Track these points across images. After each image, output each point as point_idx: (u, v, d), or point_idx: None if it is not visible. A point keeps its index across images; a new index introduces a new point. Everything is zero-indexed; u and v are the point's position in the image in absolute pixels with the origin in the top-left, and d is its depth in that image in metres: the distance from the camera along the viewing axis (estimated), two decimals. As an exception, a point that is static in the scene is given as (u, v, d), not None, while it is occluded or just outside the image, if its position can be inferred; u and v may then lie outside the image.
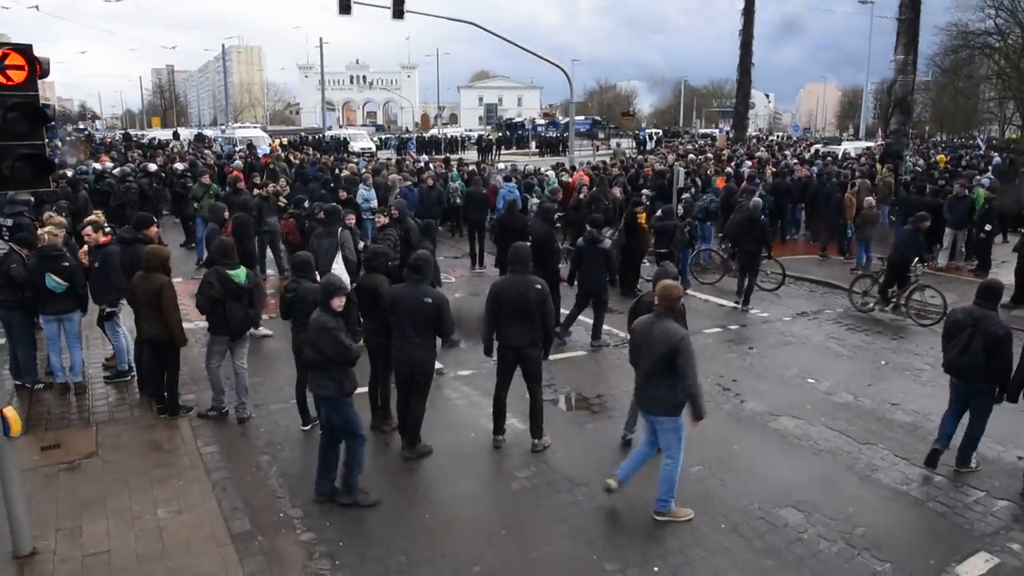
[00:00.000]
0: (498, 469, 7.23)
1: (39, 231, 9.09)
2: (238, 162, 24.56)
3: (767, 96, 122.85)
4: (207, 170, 18.10)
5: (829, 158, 29.45)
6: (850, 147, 40.37)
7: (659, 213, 13.44)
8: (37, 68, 5.01)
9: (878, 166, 21.39)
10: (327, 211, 10.99)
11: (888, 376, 9.86)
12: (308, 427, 7.89)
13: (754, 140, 54.21)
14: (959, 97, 52.83)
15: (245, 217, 11.20)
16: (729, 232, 13.91)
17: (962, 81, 48.97)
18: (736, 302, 13.25)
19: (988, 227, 15.32)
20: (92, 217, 9.84)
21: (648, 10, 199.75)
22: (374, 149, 49.18)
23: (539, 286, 7.33)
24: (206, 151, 34.38)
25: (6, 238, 9.47)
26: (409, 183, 17.62)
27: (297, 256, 8.26)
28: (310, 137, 56.64)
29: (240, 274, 7.87)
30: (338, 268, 9.78)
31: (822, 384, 9.55)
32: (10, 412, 5.41)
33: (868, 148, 36.86)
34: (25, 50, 4.98)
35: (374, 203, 16.50)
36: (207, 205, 15.51)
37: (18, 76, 4.94)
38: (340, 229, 10.49)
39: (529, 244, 8.33)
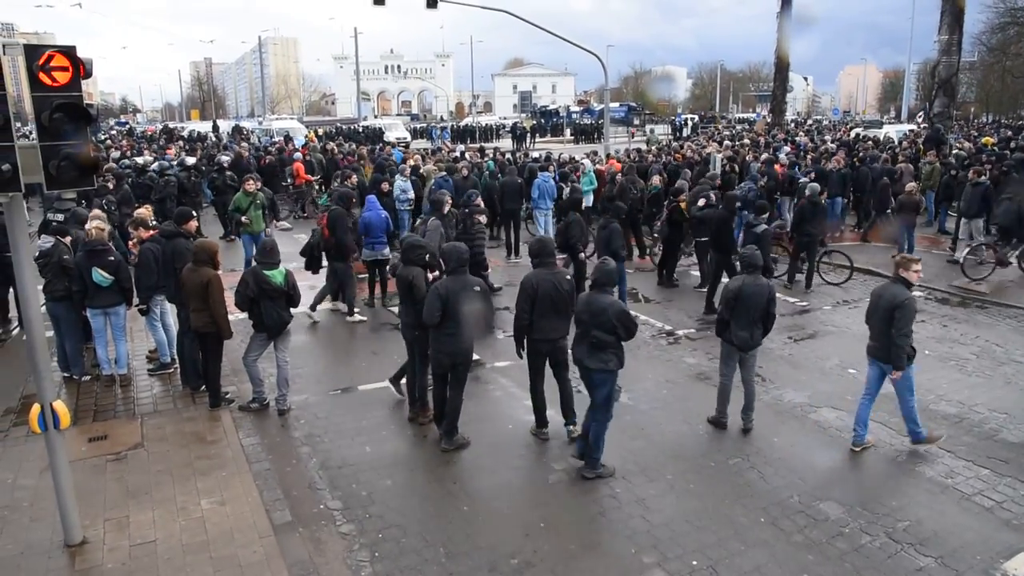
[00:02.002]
0: (535, 461, 7.24)
1: (86, 226, 9.30)
2: (298, 154, 24.25)
3: (805, 79, 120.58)
4: (251, 175, 14.67)
5: (870, 142, 28.80)
6: (892, 130, 39.45)
7: (700, 203, 13.32)
8: (81, 69, 5.09)
9: (922, 151, 20.90)
10: (432, 200, 12.03)
11: (932, 366, 9.65)
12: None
13: (792, 125, 53.20)
14: (1006, 76, 51.37)
15: (339, 210, 11.55)
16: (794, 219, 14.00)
17: (1010, 60, 47.53)
18: (786, 286, 13.29)
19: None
20: (141, 211, 10.05)
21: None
22: (409, 139, 49.35)
23: (569, 277, 7.41)
24: (243, 143, 34.67)
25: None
26: (443, 173, 17.62)
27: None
28: (344, 128, 56.95)
29: (277, 275, 7.94)
30: None
31: (863, 375, 9.36)
32: (59, 405, 5.55)
33: (911, 131, 36.01)
34: (69, 52, 5.05)
35: (411, 194, 16.57)
36: (256, 218, 13.56)
37: (63, 77, 5.02)
38: (431, 218, 11.44)
39: None
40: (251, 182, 13.74)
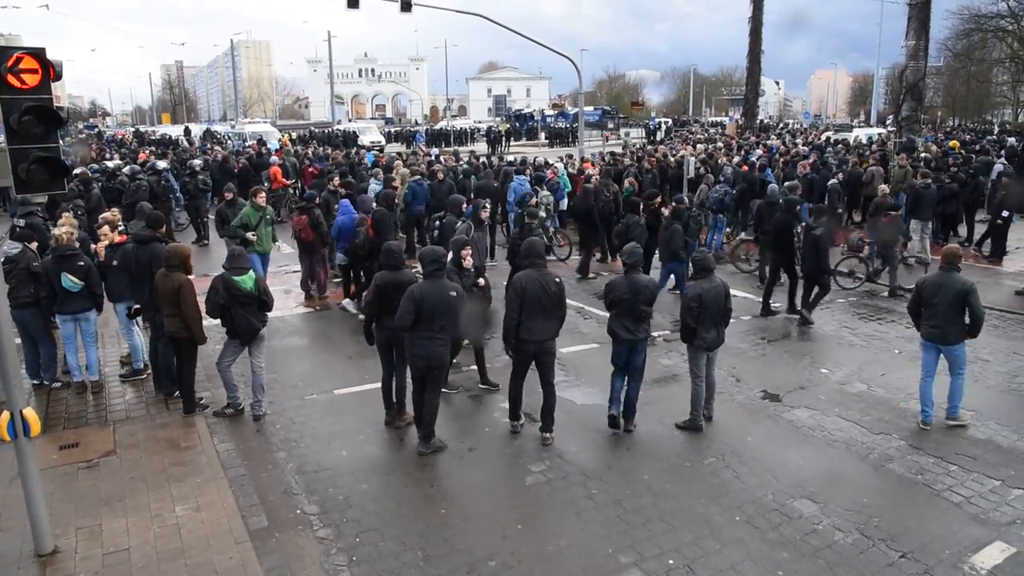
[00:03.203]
0: (512, 463, 7.25)
1: (54, 231, 9.16)
2: (275, 158, 23.96)
3: (777, 83, 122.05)
4: (259, 186, 13.46)
5: (840, 146, 29.16)
6: (861, 134, 40.06)
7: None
8: (51, 71, 5.04)
9: (895, 157, 21.24)
10: (473, 205, 11.80)
11: (902, 365, 9.82)
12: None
13: (760, 131, 53.74)
14: (971, 81, 52.39)
15: (383, 211, 11.59)
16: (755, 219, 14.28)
17: (975, 65, 48.51)
18: (758, 286, 13.40)
19: (1005, 213, 15.16)
20: (108, 215, 9.92)
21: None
22: (384, 143, 49.19)
23: (558, 279, 7.44)
24: (216, 147, 34.33)
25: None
26: (418, 177, 17.59)
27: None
28: (319, 131, 56.62)
29: (247, 280, 7.88)
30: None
31: (835, 374, 9.53)
32: (29, 413, 5.47)
33: (879, 135, 36.54)
34: (39, 54, 5.01)
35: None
36: (265, 236, 12.26)
37: (32, 80, 4.98)
38: (461, 220, 11.26)
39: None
40: (261, 195, 12.30)
